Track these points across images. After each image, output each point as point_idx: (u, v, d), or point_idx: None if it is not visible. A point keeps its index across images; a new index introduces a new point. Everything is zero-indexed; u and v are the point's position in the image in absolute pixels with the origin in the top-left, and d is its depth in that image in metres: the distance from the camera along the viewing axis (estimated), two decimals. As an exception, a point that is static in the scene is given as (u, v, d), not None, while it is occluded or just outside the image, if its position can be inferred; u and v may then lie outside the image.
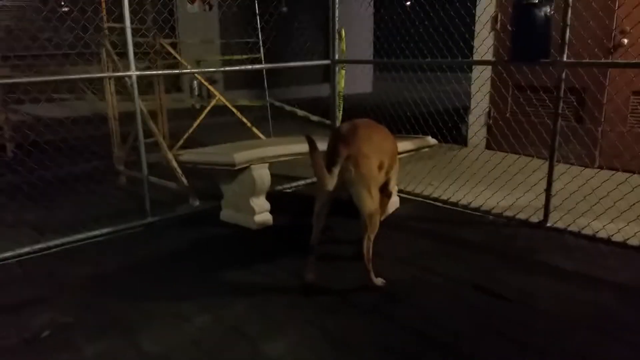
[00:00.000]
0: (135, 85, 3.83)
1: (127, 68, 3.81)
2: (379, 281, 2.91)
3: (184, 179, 4.34)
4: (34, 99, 5.97)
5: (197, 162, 3.97)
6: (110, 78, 4.96)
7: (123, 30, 3.81)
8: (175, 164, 4.39)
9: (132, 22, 3.85)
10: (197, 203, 4.27)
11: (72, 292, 2.95)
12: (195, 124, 6.18)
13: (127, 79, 3.94)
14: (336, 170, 2.68)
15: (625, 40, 5.01)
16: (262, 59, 7.15)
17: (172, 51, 6.19)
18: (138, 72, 3.86)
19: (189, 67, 6.25)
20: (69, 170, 5.32)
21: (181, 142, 5.90)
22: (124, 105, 3.91)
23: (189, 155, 4.09)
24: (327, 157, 2.78)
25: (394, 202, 4.22)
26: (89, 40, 4.92)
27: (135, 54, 3.87)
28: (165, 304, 2.78)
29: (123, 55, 4.01)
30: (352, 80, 5.56)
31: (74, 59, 5.62)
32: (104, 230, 3.72)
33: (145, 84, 5.88)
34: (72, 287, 3.00)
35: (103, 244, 3.62)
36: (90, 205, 4.38)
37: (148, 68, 5.71)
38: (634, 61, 3.84)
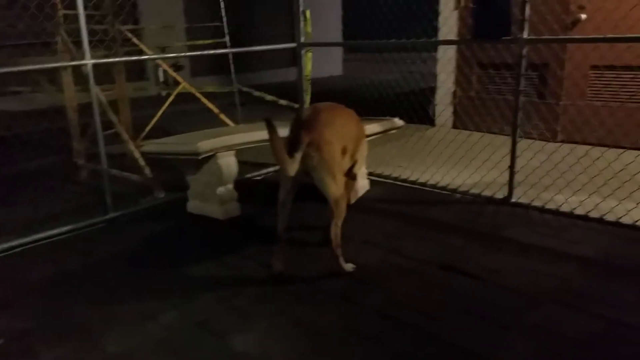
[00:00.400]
0: (91, 75, 3.71)
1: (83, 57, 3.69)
2: (348, 266, 2.92)
3: (147, 171, 4.26)
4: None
5: (160, 153, 3.90)
6: (65, 68, 4.80)
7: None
8: (138, 155, 4.31)
9: (86, 8, 3.71)
10: (162, 195, 4.21)
11: (30, 295, 2.85)
12: (159, 113, 6.07)
13: (82, 68, 3.83)
14: (298, 156, 2.64)
15: (583, 16, 5.08)
16: (228, 43, 7.04)
17: (132, 37, 6.04)
18: (93, 61, 3.73)
19: (150, 53, 6.11)
20: (24, 167, 5.15)
21: (145, 132, 5.80)
22: (85, 96, 3.80)
23: (151, 146, 4.02)
24: (288, 143, 2.73)
25: (363, 185, 4.23)
26: (41, 29, 4.74)
27: (91, 42, 3.75)
28: (129, 302, 2.73)
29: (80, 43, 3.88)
30: (321, 63, 5.51)
31: (25, 49, 5.41)
32: (64, 229, 3.61)
33: (104, 73, 5.73)
34: (31, 290, 2.91)
35: (63, 243, 3.51)
36: (49, 203, 4.23)
37: (106, 56, 5.55)
38: (591, 36, 3.89)
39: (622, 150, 3.85)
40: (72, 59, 4.62)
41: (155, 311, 2.62)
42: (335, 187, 2.79)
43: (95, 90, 3.79)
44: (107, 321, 2.56)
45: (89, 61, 3.67)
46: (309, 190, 2.93)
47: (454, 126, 6.35)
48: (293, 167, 2.63)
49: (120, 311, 2.65)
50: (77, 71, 4.67)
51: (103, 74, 4.83)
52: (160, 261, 3.22)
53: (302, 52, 5.09)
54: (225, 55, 6.85)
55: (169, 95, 6.59)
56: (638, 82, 4.87)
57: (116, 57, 5.40)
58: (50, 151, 5.53)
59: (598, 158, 3.80)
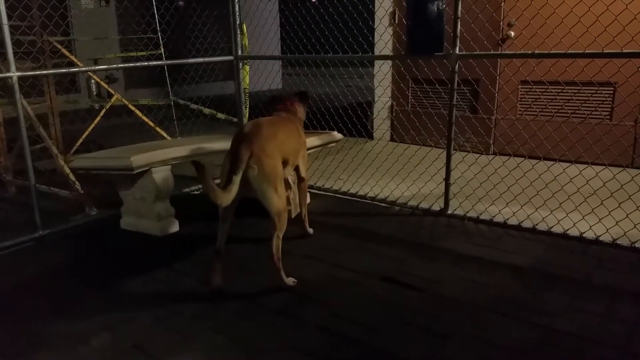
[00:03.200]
0: (17, 87, 3.52)
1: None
2: (289, 280, 2.88)
3: (78, 187, 4.07)
4: None
5: (91, 168, 3.72)
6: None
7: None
8: (68, 171, 4.11)
9: (11, 19, 3.52)
10: (94, 212, 4.02)
11: (-50, 320, 2.65)
12: (90, 127, 5.84)
13: (7, 80, 3.62)
14: (237, 179, 2.62)
15: (512, 33, 5.32)
16: (163, 55, 6.89)
17: (62, 49, 5.80)
18: (19, 73, 3.55)
19: (80, 65, 5.88)
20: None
21: (76, 146, 5.55)
22: (12, 109, 3.60)
23: (82, 161, 3.83)
24: (229, 159, 2.70)
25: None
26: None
27: (16, 53, 3.57)
28: (59, 325, 2.57)
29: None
30: (260, 77, 5.48)
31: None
32: (-12, 248, 3.39)
33: (32, 86, 5.46)
34: (-49, 314, 2.70)
35: (-12, 263, 3.29)
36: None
37: (34, 69, 5.30)
38: (520, 52, 4.06)
39: (551, 162, 4.03)
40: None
41: (87, 334, 2.48)
42: (277, 200, 2.77)
43: (22, 104, 3.60)
44: (35, 344, 2.40)
45: (14, 74, 3.48)
46: (249, 205, 2.88)
47: (392, 139, 6.48)
48: (227, 197, 2.60)
49: (50, 334, 2.49)
50: (3, 84, 4.44)
51: (31, 86, 4.61)
52: (92, 281, 3.05)
53: (240, 64, 5.05)
54: (161, 67, 6.72)
55: (102, 108, 6.36)
56: (565, 97, 5.14)
57: (44, 69, 5.16)
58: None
59: (529, 170, 3.95)
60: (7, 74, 3.51)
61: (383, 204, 4.26)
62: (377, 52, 6.24)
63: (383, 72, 6.21)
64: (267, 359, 2.30)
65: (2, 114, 4.70)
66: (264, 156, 2.73)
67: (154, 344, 2.40)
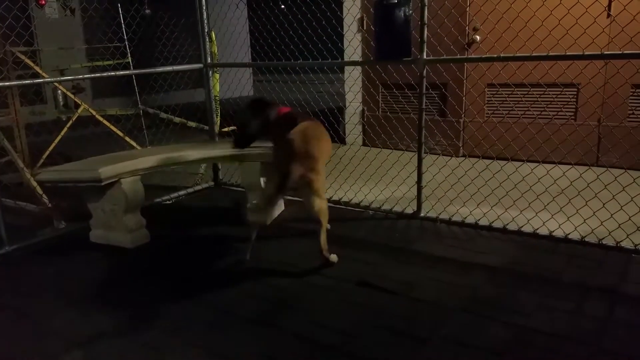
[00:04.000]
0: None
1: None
2: (333, 257, 3.19)
3: (45, 200, 3.97)
4: None
5: (57, 181, 3.64)
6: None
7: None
8: (34, 184, 4.01)
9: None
10: (62, 225, 3.93)
11: None
12: (57, 138, 5.72)
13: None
14: (281, 198, 2.89)
15: (478, 37, 5.41)
16: (130, 64, 6.80)
17: (25, 59, 5.67)
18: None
19: (45, 76, 5.76)
20: None
21: (43, 159, 5.43)
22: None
23: (48, 174, 3.75)
24: (278, 177, 2.89)
25: (278, 206, 4.19)
26: None
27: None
28: (27, 343, 2.50)
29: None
30: (231, 84, 5.44)
31: None
32: (-49, 267, 3.28)
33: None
34: None
35: (-49, 282, 3.18)
36: None
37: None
38: (485, 56, 4.14)
39: (519, 163, 4.10)
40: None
41: (56, 352, 2.42)
42: (320, 202, 3.03)
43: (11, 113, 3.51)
44: (0, 368, 2.33)
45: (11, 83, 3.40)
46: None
47: (364, 144, 6.51)
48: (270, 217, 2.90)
49: (16, 352, 2.42)
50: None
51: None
52: (60, 296, 2.98)
53: (209, 72, 5.01)
54: (129, 76, 6.63)
55: (69, 119, 6.23)
56: (531, 99, 5.25)
57: (7, 81, 5.03)
58: None
59: (498, 171, 4.02)
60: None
61: (357, 209, 4.27)
62: (346, 58, 6.28)
63: (353, 78, 6.26)
64: (244, 369, 2.27)
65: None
66: (314, 174, 2.96)
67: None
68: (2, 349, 2.45)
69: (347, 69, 6.44)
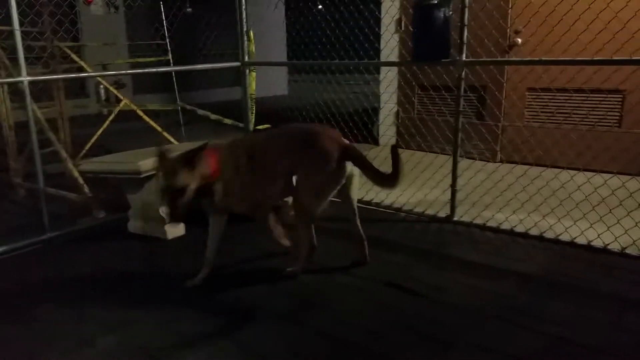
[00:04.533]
0: (27, 92, 3.56)
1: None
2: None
3: (86, 190, 4.09)
4: None
5: (98, 172, 3.75)
6: (0, 85, 4.59)
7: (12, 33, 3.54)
8: (76, 174, 4.13)
9: (22, 25, 3.57)
10: (101, 215, 4.04)
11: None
12: (99, 131, 5.90)
13: (19, 85, 3.67)
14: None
15: (519, 40, 5.31)
16: (171, 61, 6.94)
17: (71, 54, 5.86)
18: (30, 78, 3.59)
19: (89, 70, 5.94)
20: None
21: (85, 150, 5.60)
22: (23, 113, 3.65)
23: (89, 165, 3.86)
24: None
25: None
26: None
27: (27, 58, 3.62)
28: (66, 327, 2.58)
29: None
30: (267, 83, 5.50)
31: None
32: (-1, 249, 3.42)
33: (43, 90, 5.51)
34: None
35: (-4, 265, 3.31)
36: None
37: (44, 74, 5.35)
38: (527, 59, 4.06)
39: (559, 170, 4.00)
40: (8, 76, 4.43)
41: (92, 335, 2.49)
42: None
43: (32, 108, 3.64)
44: (42, 345, 2.42)
45: (25, 78, 3.53)
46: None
47: (398, 145, 6.46)
48: None
49: (56, 335, 2.51)
50: (14, 88, 4.49)
51: (41, 91, 4.65)
52: (99, 283, 3.07)
53: (246, 71, 5.07)
54: (169, 73, 6.76)
55: (110, 113, 6.41)
56: (572, 104, 5.12)
57: (54, 74, 5.21)
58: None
59: (536, 177, 3.94)
60: (19, 79, 3.55)
61: (389, 210, 4.25)
62: (383, 59, 6.24)
63: (389, 79, 6.22)
64: (271, 363, 2.29)
65: (13, 118, 4.75)
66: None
67: (159, 347, 2.40)
68: (39, 333, 2.54)
69: (383, 69, 6.41)
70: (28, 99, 3.58)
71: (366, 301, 2.81)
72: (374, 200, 4.37)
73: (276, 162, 2.85)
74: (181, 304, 2.80)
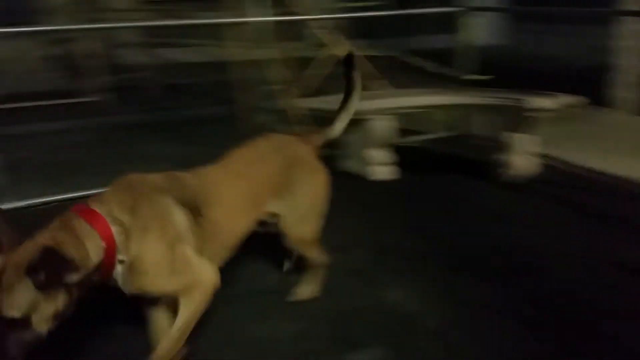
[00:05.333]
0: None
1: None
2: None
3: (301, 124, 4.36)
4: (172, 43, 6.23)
5: (319, 110, 3.94)
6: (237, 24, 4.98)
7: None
8: (297, 112, 4.41)
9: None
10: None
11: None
12: (318, 73, 6.14)
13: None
14: None
15: None
16: (390, 5, 6.84)
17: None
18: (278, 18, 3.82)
19: (304, 14, 6.15)
20: (200, 112, 5.51)
21: (307, 90, 5.89)
22: (248, 53, 3.99)
23: (314, 103, 4.09)
24: None
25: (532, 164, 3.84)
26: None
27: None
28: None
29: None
30: (484, 31, 5.12)
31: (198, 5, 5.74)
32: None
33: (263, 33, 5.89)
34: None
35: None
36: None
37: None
38: None
39: None
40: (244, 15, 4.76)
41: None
42: None
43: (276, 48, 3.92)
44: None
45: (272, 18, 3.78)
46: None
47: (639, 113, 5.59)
48: None
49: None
50: (242, 28, 4.86)
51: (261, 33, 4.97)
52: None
53: (465, 17, 4.76)
54: (380, 18, 6.67)
55: (324, 57, 6.59)
56: None
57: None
58: (215, 101, 5.89)
59: None
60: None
61: (623, 184, 3.67)
62: (623, 7, 5.39)
63: (631, 31, 5.38)
64: (482, 316, 2.24)
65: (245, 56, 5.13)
66: None
67: (372, 274, 2.57)
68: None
69: (625, 20, 5.55)
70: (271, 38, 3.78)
71: (591, 276, 2.57)
72: (607, 171, 3.74)
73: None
74: (390, 239, 2.88)
